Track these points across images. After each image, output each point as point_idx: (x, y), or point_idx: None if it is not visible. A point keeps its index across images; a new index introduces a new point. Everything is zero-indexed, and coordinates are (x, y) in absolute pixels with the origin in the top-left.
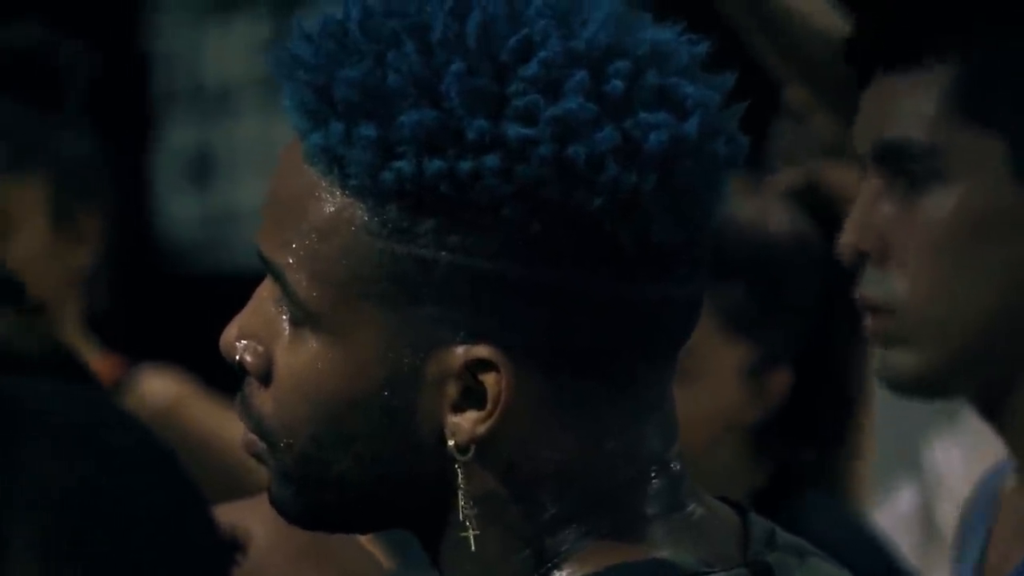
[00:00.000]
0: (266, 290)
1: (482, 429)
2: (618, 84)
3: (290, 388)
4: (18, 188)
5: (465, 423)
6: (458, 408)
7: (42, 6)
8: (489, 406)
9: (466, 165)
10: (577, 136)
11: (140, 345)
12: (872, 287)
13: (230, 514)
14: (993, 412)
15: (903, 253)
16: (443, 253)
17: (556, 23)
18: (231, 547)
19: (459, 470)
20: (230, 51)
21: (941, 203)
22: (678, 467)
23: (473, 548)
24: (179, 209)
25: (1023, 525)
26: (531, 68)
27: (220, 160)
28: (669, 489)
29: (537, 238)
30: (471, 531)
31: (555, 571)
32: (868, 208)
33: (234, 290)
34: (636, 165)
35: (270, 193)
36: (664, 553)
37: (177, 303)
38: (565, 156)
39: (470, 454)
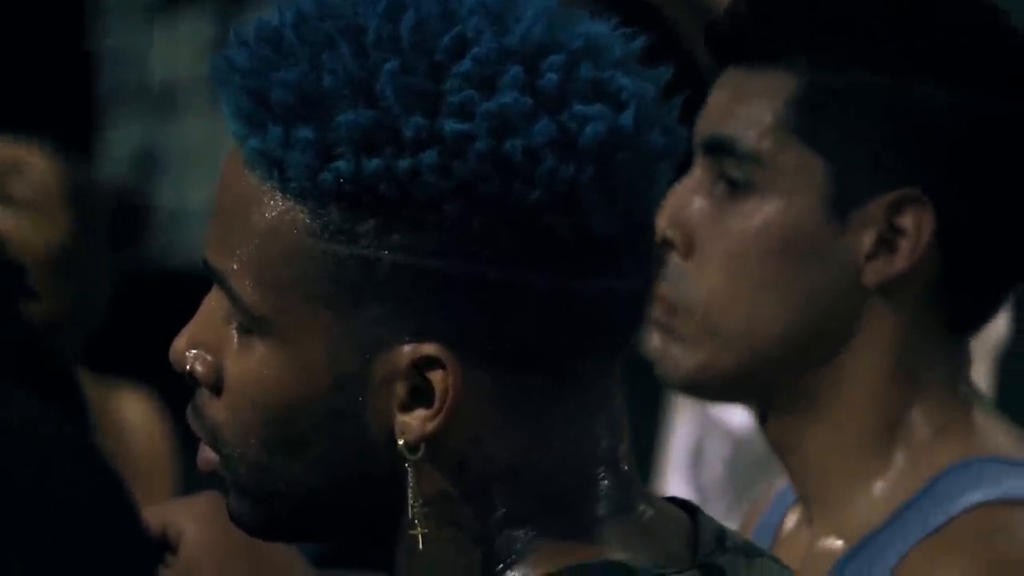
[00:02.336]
0: (214, 299)
1: (431, 427)
2: (552, 77)
3: (240, 395)
4: None
5: (414, 422)
6: (407, 407)
7: None
8: (437, 403)
9: (404, 163)
10: (513, 130)
11: (86, 347)
12: (668, 281)
13: (163, 513)
14: (776, 443)
15: (707, 255)
16: (385, 253)
17: (490, 20)
18: (160, 545)
19: (409, 469)
20: (176, 49)
21: (753, 213)
22: (626, 467)
23: (422, 547)
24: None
25: (804, 565)
26: (465, 65)
27: (166, 159)
28: (619, 490)
29: (478, 234)
30: (420, 529)
31: (507, 572)
32: (684, 199)
33: (179, 288)
34: (573, 157)
35: (214, 202)
36: (618, 555)
37: (122, 301)
38: (502, 150)
39: (420, 453)
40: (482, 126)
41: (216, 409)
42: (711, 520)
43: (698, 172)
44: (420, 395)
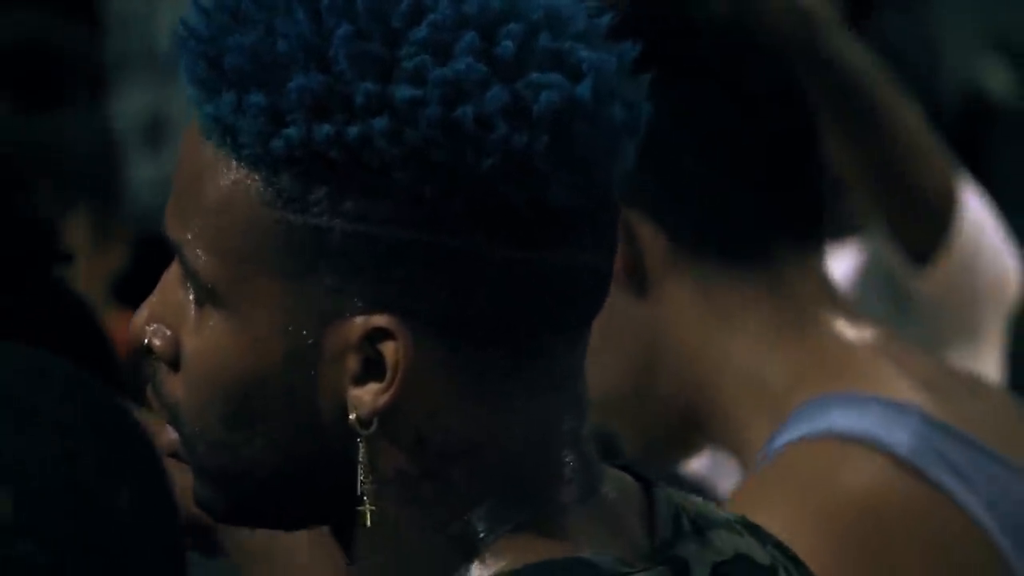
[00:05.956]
0: (173, 273)
1: (383, 400)
2: (509, 45)
3: (197, 370)
4: (66, 225)
5: (366, 396)
6: (359, 381)
7: None
8: (388, 376)
9: (354, 129)
10: (466, 97)
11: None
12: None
13: None
14: None
15: None
16: (337, 221)
17: None
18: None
19: (361, 445)
20: (183, 14)
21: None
22: (589, 448)
23: (371, 525)
24: (136, 172)
25: None
26: (421, 31)
27: (175, 123)
28: (583, 472)
29: (430, 203)
30: (368, 507)
31: (472, 560)
32: None
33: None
34: (527, 125)
35: (175, 172)
36: (585, 551)
37: (138, 263)
38: (453, 117)
39: (373, 428)
40: (434, 92)
41: (175, 385)
42: (667, 493)
43: None
44: (373, 369)
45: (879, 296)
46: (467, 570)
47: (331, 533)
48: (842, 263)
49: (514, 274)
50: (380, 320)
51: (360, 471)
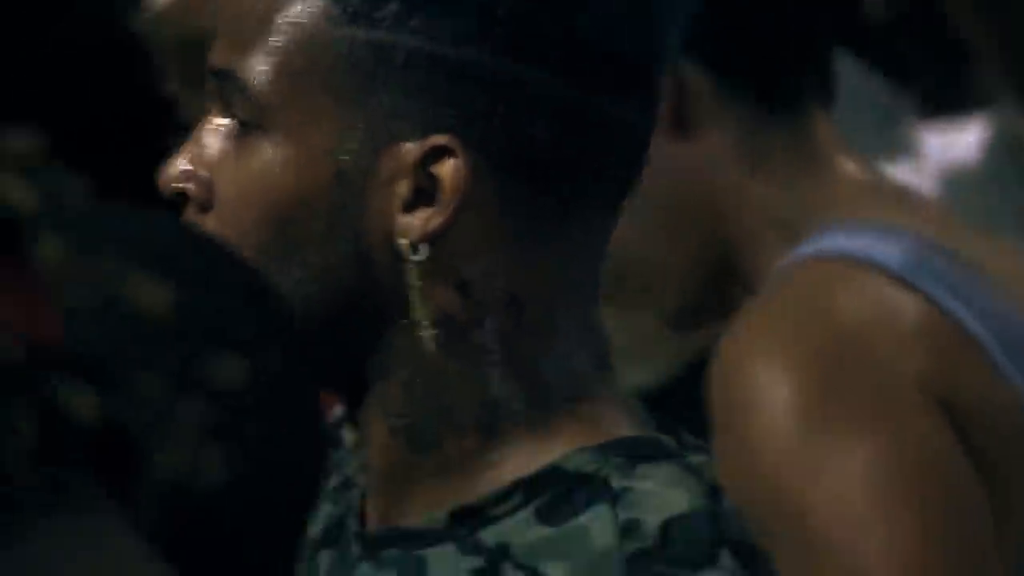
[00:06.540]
0: (206, 123)
1: (435, 223)
2: None
3: (236, 201)
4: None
5: (416, 221)
6: (409, 207)
7: None
8: (446, 196)
9: None
10: None
11: None
12: None
13: None
14: None
15: None
16: (402, 37)
17: None
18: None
19: (412, 268)
20: None
21: None
22: (606, 334)
23: (432, 350)
24: None
25: None
26: None
27: None
28: (605, 354)
29: (502, 24)
30: (427, 329)
31: (526, 432)
32: None
33: None
34: None
35: (224, 14)
36: (648, 432)
37: None
38: None
39: (421, 254)
40: None
41: (205, 226)
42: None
43: None
44: (423, 197)
45: (1006, 168)
46: (518, 440)
47: (355, 401)
48: (970, 135)
49: (571, 115)
50: (440, 139)
51: (414, 295)
